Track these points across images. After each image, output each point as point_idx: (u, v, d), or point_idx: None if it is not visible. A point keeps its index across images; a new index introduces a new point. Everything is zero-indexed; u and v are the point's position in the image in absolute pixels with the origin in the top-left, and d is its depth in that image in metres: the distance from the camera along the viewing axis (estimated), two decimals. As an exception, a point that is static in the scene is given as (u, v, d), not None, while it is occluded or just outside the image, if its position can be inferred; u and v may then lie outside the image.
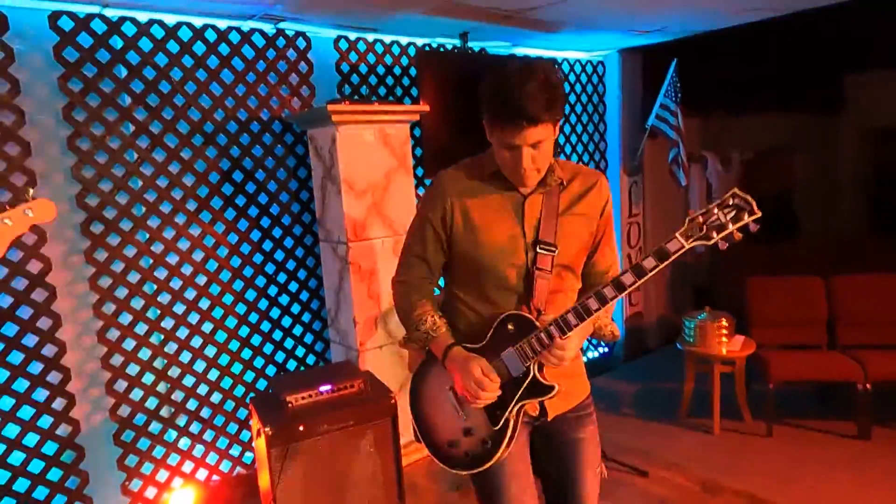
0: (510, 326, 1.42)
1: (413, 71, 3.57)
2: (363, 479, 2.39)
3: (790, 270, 4.37)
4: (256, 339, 3.14)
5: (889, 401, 3.56)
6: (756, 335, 3.83)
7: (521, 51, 4.13)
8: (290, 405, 2.28)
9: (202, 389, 2.97)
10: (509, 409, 1.43)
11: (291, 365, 3.27)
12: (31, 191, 1.52)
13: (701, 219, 1.27)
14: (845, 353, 3.63)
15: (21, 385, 2.49)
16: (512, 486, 1.49)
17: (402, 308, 1.56)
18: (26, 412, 2.50)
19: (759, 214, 1.25)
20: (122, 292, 2.72)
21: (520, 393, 1.42)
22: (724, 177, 5.70)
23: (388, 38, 3.47)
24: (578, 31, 3.83)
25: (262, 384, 3.16)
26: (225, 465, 3.07)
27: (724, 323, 3.61)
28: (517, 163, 1.35)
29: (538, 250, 1.43)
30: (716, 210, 1.26)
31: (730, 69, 5.12)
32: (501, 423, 1.43)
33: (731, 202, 1.27)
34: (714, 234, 1.26)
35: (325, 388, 2.35)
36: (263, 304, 3.15)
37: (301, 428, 2.23)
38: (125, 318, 2.73)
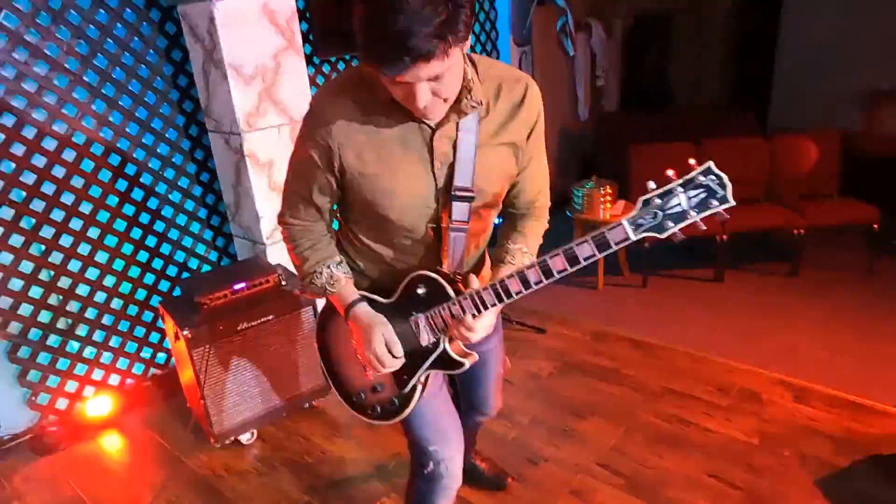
0: (420, 289, 1.26)
1: (290, -68, 3.19)
2: (286, 368, 2.48)
3: (666, 137, 4.73)
4: (151, 241, 2.97)
5: (739, 247, 4.14)
6: (634, 196, 4.21)
7: None
8: (204, 306, 2.26)
9: (100, 297, 2.83)
10: (416, 376, 1.33)
11: (193, 263, 3.17)
12: None
13: (658, 202, 1.02)
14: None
15: None
16: (434, 420, 1.45)
17: (293, 255, 1.36)
18: None
19: (733, 203, 1.00)
20: (-15, 203, 2.43)
21: (428, 363, 1.32)
22: (607, 44, 5.83)
23: None
24: None
25: (164, 285, 3.05)
26: (137, 368, 3.03)
27: (608, 190, 3.91)
28: (410, 99, 1.03)
29: (454, 199, 1.20)
30: (680, 191, 1.01)
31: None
32: (408, 388, 1.35)
33: (700, 180, 1.00)
34: (670, 225, 1.03)
35: (239, 286, 2.34)
36: (153, 203, 2.95)
37: (221, 328, 2.24)
38: (-4, 231, 2.46)
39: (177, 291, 3.05)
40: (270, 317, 2.34)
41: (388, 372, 1.33)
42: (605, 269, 4.07)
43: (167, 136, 2.94)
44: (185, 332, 2.16)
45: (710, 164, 1.01)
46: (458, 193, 1.20)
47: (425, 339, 1.30)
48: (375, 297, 1.34)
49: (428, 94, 1.02)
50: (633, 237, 1.05)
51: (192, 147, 3.05)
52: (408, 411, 1.37)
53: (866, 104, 5.88)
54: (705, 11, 7.02)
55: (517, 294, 1.18)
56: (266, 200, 2.85)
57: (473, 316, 1.21)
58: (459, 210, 1.22)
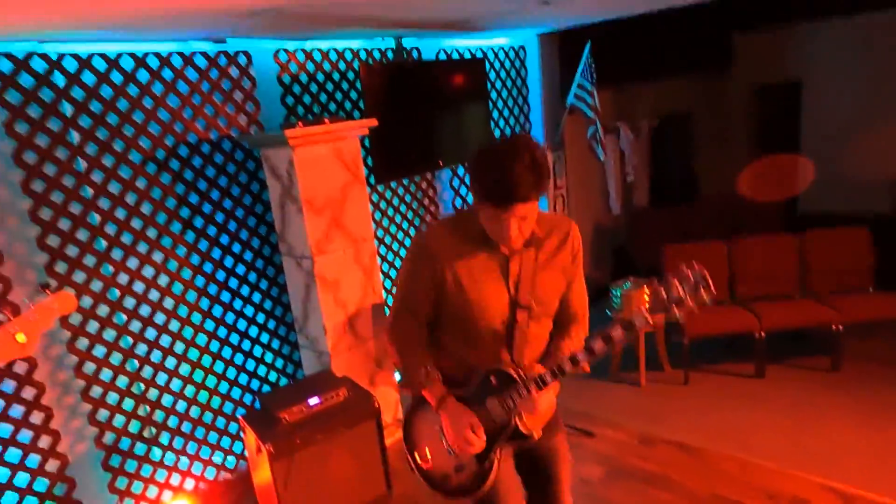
0: (493, 380, 1.64)
1: (351, 75, 3.67)
2: (355, 475, 2.67)
3: (695, 230, 4.95)
4: (227, 352, 3.27)
5: (779, 342, 4.24)
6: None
7: (449, 43, 4.29)
8: (284, 420, 2.50)
9: (181, 406, 3.10)
10: (493, 451, 1.66)
11: (262, 370, 3.44)
12: (52, 284, 1.61)
13: (663, 292, 1.46)
14: (744, 306, 4.25)
15: (5, 431, 2.53)
16: (504, 499, 1.72)
17: (396, 356, 1.75)
18: (14, 455, 2.56)
19: (714, 292, 1.43)
20: (92, 327, 2.76)
21: (501, 439, 1.66)
22: (635, 144, 6.19)
23: (325, 45, 3.54)
24: (502, 30, 4.05)
25: (236, 392, 3.32)
26: (209, 473, 3.25)
27: (646, 290, 4.11)
28: (504, 233, 1.49)
29: (519, 306, 1.61)
30: (676, 283, 1.43)
31: (637, 42, 5.51)
32: (488, 462, 1.67)
33: (689, 276, 1.43)
34: (674, 308, 1.45)
35: (313, 400, 2.58)
36: (230, 317, 3.27)
37: (298, 441, 2.46)
38: (99, 352, 2.79)
39: (255, 405, 3.31)
40: (341, 429, 2.56)
41: (474, 453, 1.63)
42: (646, 364, 4.19)
43: (244, 257, 3.30)
44: (267, 446, 2.39)
45: (694, 263, 1.45)
46: (523, 303, 1.62)
47: (498, 419, 1.65)
48: (457, 391, 1.69)
49: (516, 230, 1.49)
50: (650, 318, 1.50)
51: (265, 265, 3.40)
52: (489, 484, 1.66)
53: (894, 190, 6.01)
54: (725, 107, 7.39)
55: (569, 371, 1.56)
56: (331, 315, 3.14)
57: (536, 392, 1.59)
58: (523, 316, 1.63)
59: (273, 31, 2.88)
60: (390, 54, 3.83)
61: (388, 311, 1.83)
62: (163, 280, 2.99)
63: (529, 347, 1.68)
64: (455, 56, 4.30)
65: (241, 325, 3.33)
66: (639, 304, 4.17)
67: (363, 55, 3.72)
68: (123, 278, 2.84)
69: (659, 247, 4.62)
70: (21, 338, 1.51)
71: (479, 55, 4.49)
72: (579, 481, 3.08)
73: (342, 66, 3.65)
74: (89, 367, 2.76)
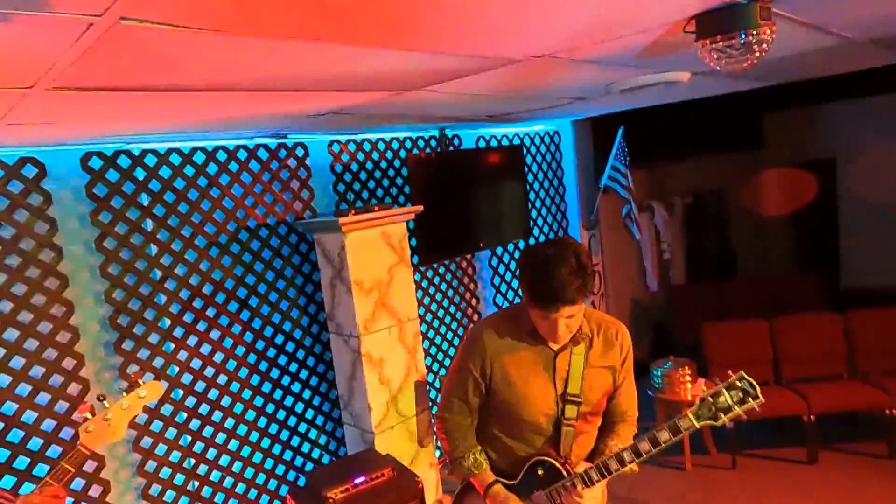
0: (540, 471, 1.71)
1: (397, 163, 3.93)
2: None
3: (735, 308, 4.91)
4: (274, 428, 3.36)
5: (831, 426, 4.10)
6: (713, 375, 4.32)
7: (488, 131, 4.55)
8: (329, 499, 2.54)
9: (227, 482, 3.17)
10: None
11: (306, 447, 3.50)
12: (144, 376, 1.76)
13: (711, 399, 1.54)
14: (790, 387, 4.16)
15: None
16: None
17: (445, 443, 1.84)
18: (72, 528, 2.65)
19: (763, 400, 1.52)
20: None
21: None
22: (669, 222, 6.28)
23: (374, 137, 3.82)
24: (538, 120, 4.30)
25: (280, 469, 3.37)
26: (251, 552, 3.26)
27: (687, 370, 4.08)
28: (552, 332, 1.61)
29: (567, 402, 1.68)
30: (724, 391, 1.52)
31: (669, 125, 5.71)
32: None
33: (738, 384, 1.52)
34: (721, 416, 1.54)
35: (359, 479, 2.62)
36: (278, 393, 3.38)
37: (344, 520, 2.50)
38: (156, 426, 2.91)
39: (300, 481, 3.36)
40: (385, 510, 2.59)
41: None
42: (691, 447, 4.10)
43: (294, 335, 3.45)
44: (314, 526, 2.43)
45: (742, 372, 1.55)
46: (571, 398, 1.69)
47: None
48: (504, 480, 1.78)
49: (564, 328, 1.58)
50: (697, 425, 1.58)
51: (313, 343, 3.54)
52: None
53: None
54: (760, 183, 7.43)
55: (615, 471, 1.63)
56: (376, 393, 3.22)
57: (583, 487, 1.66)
58: (571, 411, 1.70)
59: (330, 127, 3.15)
60: (433, 142, 4.10)
61: (432, 392, 1.94)
62: (218, 357, 3.14)
63: (577, 444, 1.74)
64: (493, 143, 4.56)
65: (288, 401, 3.43)
66: (680, 385, 4.15)
67: (408, 144, 3.98)
68: (183, 355, 3.01)
69: (698, 324, 4.61)
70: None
71: (517, 141, 4.74)
72: (626, 572, 2.98)
73: (389, 154, 3.92)
74: (146, 441, 2.88)
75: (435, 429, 1.93)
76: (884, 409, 3.87)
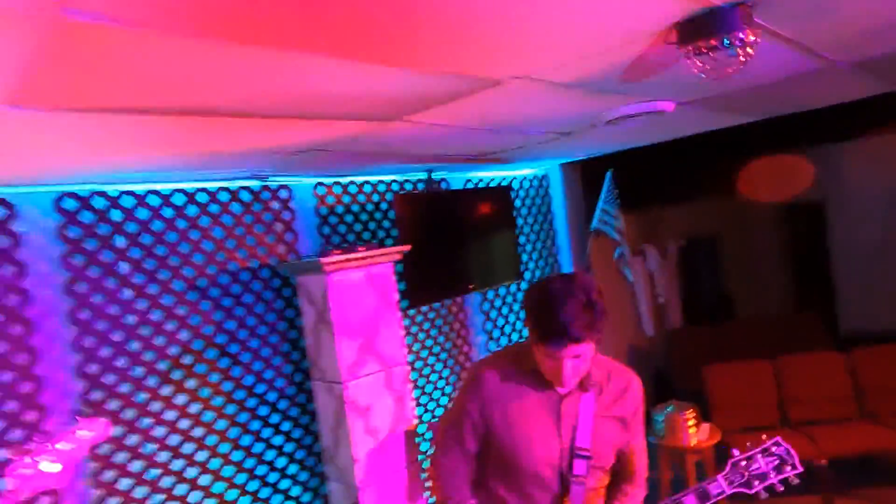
0: None
1: (384, 206, 3.87)
2: None
3: (734, 350, 4.77)
4: (253, 485, 3.14)
5: (845, 470, 3.89)
6: (717, 419, 4.15)
7: (476, 174, 4.53)
8: (310, 562, 2.33)
9: (202, 547, 2.93)
10: None
11: (288, 506, 3.27)
12: (86, 412, 1.61)
13: (744, 464, 1.42)
14: (797, 429, 3.98)
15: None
16: None
17: (437, 492, 1.68)
18: None
19: (801, 470, 1.40)
20: (121, 456, 2.71)
21: None
22: (662, 265, 6.21)
23: (360, 179, 3.78)
24: (527, 161, 4.29)
25: (262, 532, 3.14)
26: None
27: (691, 414, 3.90)
28: (558, 371, 1.45)
29: (576, 456, 1.52)
30: (759, 457, 1.41)
31: (658, 169, 5.73)
32: None
33: (773, 450, 1.42)
34: (756, 483, 1.40)
35: (342, 538, 2.41)
36: (259, 447, 3.18)
37: (324, 585, 2.28)
38: (125, 483, 2.71)
39: None
40: (371, 572, 2.37)
41: None
42: (698, 499, 3.86)
43: (275, 384, 3.28)
44: (291, 592, 2.21)
45: (779, 438, 1.45)
46: (580, 452, 1.53)
47: None
48: None
49: (570, 368, 1.43)
50: (728, 491, 1.46)
51: (296, 392, 3.36)
52: None
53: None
54: (752, 228, 7.44)
55: None
56: (362, 443, 3.03)
57: None
58: (580, 466, 1.53)
59: (313, 167, 3.10)
60: (421, 186, 4.06)
61: (424, 445, 1.79)
62: (194, 408, 2.97)
63: (587, 499, 1.57)
64: (482, 185, 4.52)
65: (270, 455, 3.23)
66: (705, 441, 3.94)
67: (395, 186, 3.94)
68: (156, 406, 2.83)
69: (698, 367, 4.47)
70: (52, 467, 1.49)
71: (505, 184, 4.72)
72: None
73: (376, 197, 3.86)
74: (112, 502, 2.67)
75: (428, 475, 1.76)
76: (898, 451, 3.68)
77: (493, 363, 1.65)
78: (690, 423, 3.86)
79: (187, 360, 2.96)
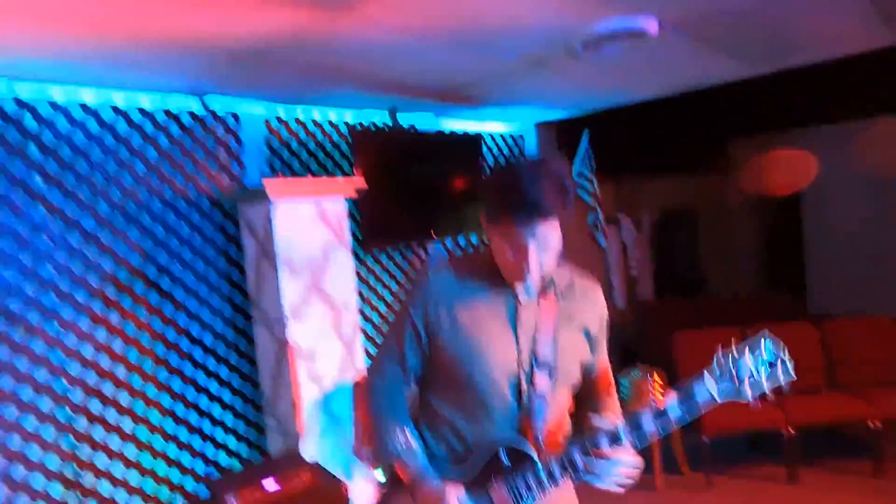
0: (504, 458, 1.28)
1: (344, 147, 3.58)
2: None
3: (704, 324, 4.62)
4: (184, 434, 2.87)
5: (811, 441, 3.78)
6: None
7: (446, 123, 4.26)
8: (232, 508, 2.08)
9: (120, 496, 2.65)
10: None
11: (223, 457, 3.00)
12: None
13: (728, 361, 1.21)
14: (766, 400, 3.84)
15: None
16: None
17: (370, 413, 1.41)
18: None
19: (795, 377, 1.22)
20: (26, 393, 2.41)
21: None
22: (637, 237, 6.06)
23: (317, 113, 3.48)
24: (500, 106, 4.03)
25: (189, 483, 2.86)
26: (149, 584, 2.72)
27: (658, 379, 3.73)
28: (521, 262, 1.21)
29: (537, 366, 1.30)
30: (747, 353, 1.21)
31: (636, 137, 5.55)
32: None
33: (762, 347, 1.21)
34: (744, 386, 1.21)
35: (270, 485, 2.17)
36: (191, 393, 2.91)
37: (246, 532, 2.03)
38: (29, 423, 2.41)
39: (204, 493, 2.85)
40: (301, 521, 2.13)
41: None
42: (662, 466, 3.71)
43: (214, 326, 3.00)
44: (206, 539, 1.96)
45: (766, 331, 1.24)
46: (542, 364, 1.30)
47: None
48: (448, 469, 1.32)
49: (536, 259, 1.20)
50: (718, 396, 1.23)
51: (236, 337, 3.09)
52: None
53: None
54: (728, 210, 7.35)
55: (607, 455, 1.24)
56: (305, 392, 2.78)
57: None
58: (542, 380, 1.30)
59: (260, 86, 2.81)
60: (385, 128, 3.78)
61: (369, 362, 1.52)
62: (117, 346, 2.67)
63: (551, 420, 1.33)
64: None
65: (204, 402, 2.96)
66: (650, 395, 3.79)
67: (358, 126, 3.65)
68: (71, 339, 2.53)
69: (667, 340, 4.31)
70: None
71: (475, 134, 4.46)
72: None
73: (335, 136, 3.57)
74: (14, 440, 2.37)
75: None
76: (866, 420, 3.56)
77: (443, 265, 1.40)
78: (657, 386, 3.69)
79: (110, 291, 2.66)
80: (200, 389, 2.94)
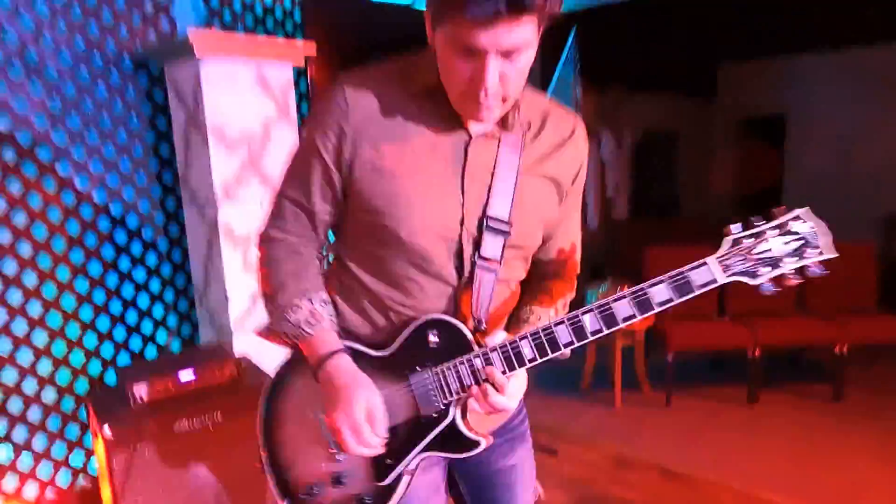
0: (432, 338, 0.99)
1: (298, 15, 3.12)
2: (231, 478, 1.98)
3: (675, 243, 4.44)
4: (104, 324, 2.58)
5: (774, 365, 3.70)
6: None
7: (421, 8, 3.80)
8: (138, 399, 1.83)
9: (29, 386, 2.38)
10: (405, 461, 1.01)
11: (151, 351, 2.75)
12: None
13: (748, 243, 0.88)
14: (736, 321, 3.71)
15: None
16: None
17: (266, 281, 1.08)
18: None
19: (835, 254, 0.86)
20: None
21: (426, 442, 1.00)
22: (617, 154, 5.77)
23: (267, -27, 3.00)
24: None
25: (111, 377, 2.61)
26: (63, 478, 2.50)
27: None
28: (477, 78, 0.86)
29: (486, 229, 0.99)
30: (767, 232, 0.87)
31: (626, 42, 5.16)
32: (390, 478, 1.01)
33: (793, 227, 0.86)
34: (762, 271, 0.88)
35: (186, 375, 1.91)
36: (113, 279, 2.60)
37: (153, 427, 1.79)
38: (-89, 299, 2.09)
39: (114, 380, 2.59)
40: (219, 417, 1.89)
41: (364, 453, 1.00)
42: (623, 383, 3.60)
43: (139, 208, 2.65)
44: (104, 430, 1.71)
45: (809, 209, 0.88)
46: (493, 224, 0.99)
47: (427, 405, 1.00)
48: (364, 348, 1.05)
49: (496, 74, 0.86)
50: (721, 279, 0.91)
51: (167, 221, 2.75)
52: None
53: (884, 227, 5.69)
54: (710, 134, 7.12)
55: (565, 345, 0.95)
56: (238, 282, 2.49)
57: (504, 373, 0.96)
58: (492, 244, 1.00)
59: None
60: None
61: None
62: (19, 219, 2.32)
63: (495, 296, 1.03)
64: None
65: (128, 292, 2.65)
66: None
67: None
68: (-41, 206, 2.17)
69: (638, 257, 4.12)
70: None
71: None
72: (537, 510, 2.43)
73: (287, 4, 3.10)
74: None
75: (257, 260, 1.12)
76: (833, 345, 3.46)
77: (364, 77, 1.00)
78: (625, 301, 3.51)
79: (7, 154, 2.27)
80: (124, 276, 2.63)
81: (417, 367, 0.99)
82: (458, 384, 0.97)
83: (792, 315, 3.77)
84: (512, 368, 0.95)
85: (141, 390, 1.81)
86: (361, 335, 1.07)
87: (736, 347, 3.53)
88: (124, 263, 2.63)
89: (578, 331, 0.93)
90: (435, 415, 0.99)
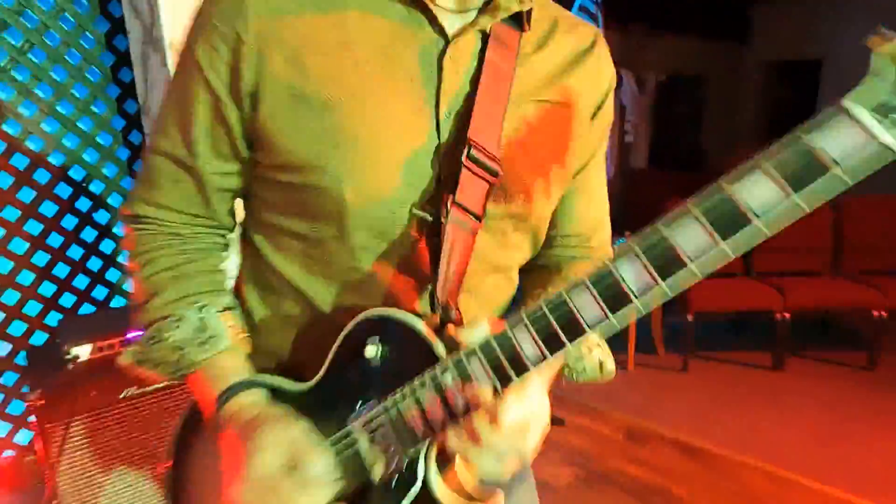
0: (371, 350, 0.61)
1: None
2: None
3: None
4: (62, 271, 2.32)
5: (802, 329, 3.41)
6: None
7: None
8: (74, 361, 1.57)
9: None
10: None
11: (119, 302, 2.49)
12: None
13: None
14: (763, 280, 3.41)
15: None
16: None
17: (135, 280, 0.70)
18: None
19: None
20: None
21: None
22: (638, 98, 5.35)
23: None
24: None
25: (42, 338, 2.31)
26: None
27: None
28: None
29: (463, 164, 0.62)
30: None
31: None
32: None
33: None
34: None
35: (132, 334, 1.65)
36: (70, 221, 2.32)
37: (94, 394, 1.54)
38: None
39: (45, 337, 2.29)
40: (166, 382, 1.64)
41: None
42: (636, 345, 3.33)
43: (98, 140, 2.34)
44: (35, 397, 1.47)
45: None
46: (475, 157, 0.61)
47: (381, 465, 0.60)
48: (279, 382, 0.68)
49: None
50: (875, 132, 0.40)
51: (133, 158, 2.45)
52: None
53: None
54: (741, 79, 6.65)
55: (592, 326, 0.50)
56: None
57: (496, 392, 0.54)
58: (470, 190, 0.62)
59: None
60: None
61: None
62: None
63: (475, 291, 0.68)
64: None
65: (89, 235, 2.38)
66: None
67: None
68: None
69: (658, 210, 3.78)
70: None
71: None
72: (540, 485, 2.19)
73: None
74: None
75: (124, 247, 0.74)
76: (871, 309, 3.15)
77: None
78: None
79: (-65, 73, 1.96)
80: (84, 217, 2.35)
81: (357, 403, 0.62)
82: (422, 422, 0.58)
83: (826, 275, 3.45)
84: (507, 381, 0.54)
85: (81, 351, 1.56)
86: (283, 360, 0.71)
87: (762, 309, 3.23)
88: (83, 203, 2.34)
89: (615, 297, 0.49)
90: (396, 479, 0.61)
